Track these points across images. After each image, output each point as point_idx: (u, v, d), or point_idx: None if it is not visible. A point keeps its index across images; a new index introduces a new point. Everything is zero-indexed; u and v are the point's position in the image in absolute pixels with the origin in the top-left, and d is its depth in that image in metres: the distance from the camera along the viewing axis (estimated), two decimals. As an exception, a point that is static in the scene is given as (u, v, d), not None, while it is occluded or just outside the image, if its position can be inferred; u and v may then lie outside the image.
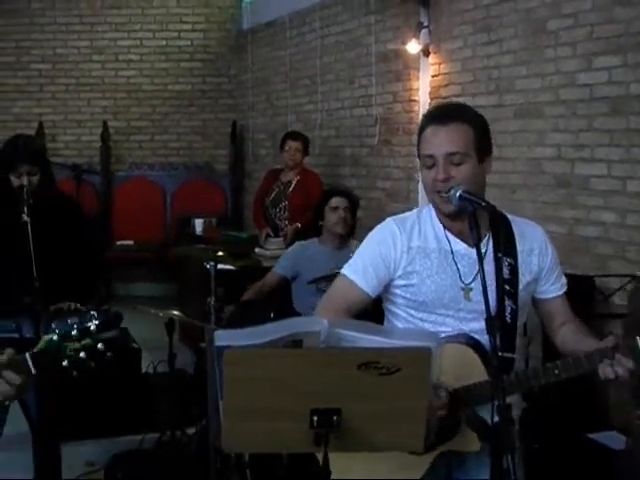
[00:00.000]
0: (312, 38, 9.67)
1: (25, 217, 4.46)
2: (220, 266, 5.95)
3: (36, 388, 4.58)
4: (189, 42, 12.08)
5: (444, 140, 3.00)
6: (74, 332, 2.60)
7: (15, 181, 4.73)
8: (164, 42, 12.04)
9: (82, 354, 2.59)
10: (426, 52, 7.45)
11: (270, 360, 2.48)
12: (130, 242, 11.41)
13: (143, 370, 6.75)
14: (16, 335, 4.45)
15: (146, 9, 12.03)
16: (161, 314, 5.70)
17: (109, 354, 2.61)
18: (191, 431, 5.91)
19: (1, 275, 4.51)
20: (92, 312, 2.62)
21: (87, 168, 11.23)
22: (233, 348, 2.44)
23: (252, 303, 5.99)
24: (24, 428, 4.86)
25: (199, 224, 10.86)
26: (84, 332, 2.60)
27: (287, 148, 8.35)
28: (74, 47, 11.99)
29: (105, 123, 11.80)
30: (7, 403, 2.69)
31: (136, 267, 11.45)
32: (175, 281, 10.14)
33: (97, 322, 2.60)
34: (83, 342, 2.59)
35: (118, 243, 11.42)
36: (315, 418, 2.49)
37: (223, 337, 2.49)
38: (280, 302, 6.12)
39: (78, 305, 4.81)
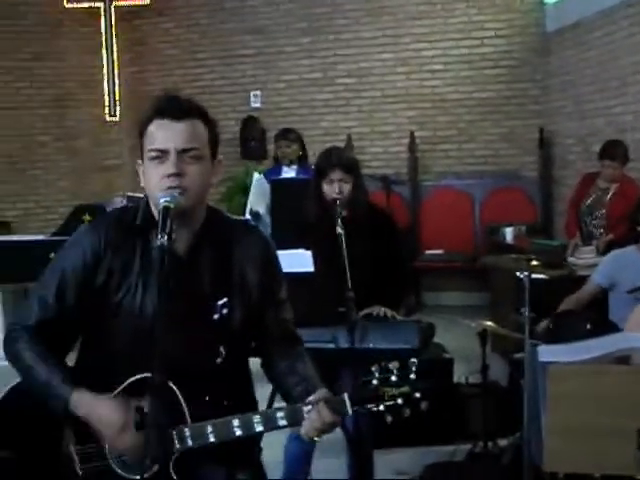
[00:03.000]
0: (620, 37, 9.32)
1: (339, 229, 4.54)
2: (533, 275, 5.83)
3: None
4: (492, 49, 11.95)
5: None
6: (394, 378, 2.63)
7: (328, 189, 4.85)
8: (467, 50, 11.99)
9: (399, 400, 2.63)
10: None
11: (597, 377, 2.38)
12: (439, 251, 11.48)
13: (455, 380, 6.72)
14: (332, 345, 4.53)
15: (448, 18, 12.03)
16: (474, 324, 5.66)
17: (424, 403, 2.63)
18: (503, 443, 5.83)
19: (319, 286, 4.62)
20: (413, 359, 2.66)
21: (395, 179, 11.44)
22: (559, 364, 2.36)
23: (567, 315, 5.82)
24: (339, 435, 4.96)
25: (509, 232, 10.69)
26: (404, 379, 2.63)
27: (603, 167, 8.03)
28: (378, 60, 12.20)
29: (412, 133, 11.92)
30: (317, 439, 2.77)
31: (445, 276, 11.51)
32: (485, 290, 10.06)
33: (416, 369, 2.63)
34: (402, 389, 2.62)
35: (427, 252, 11.51)
36: (644, 439, 2.37)
37: (547, 352, 2.43)
38: (596, 313, 5.92)
39: (387, 310, 4.86)
